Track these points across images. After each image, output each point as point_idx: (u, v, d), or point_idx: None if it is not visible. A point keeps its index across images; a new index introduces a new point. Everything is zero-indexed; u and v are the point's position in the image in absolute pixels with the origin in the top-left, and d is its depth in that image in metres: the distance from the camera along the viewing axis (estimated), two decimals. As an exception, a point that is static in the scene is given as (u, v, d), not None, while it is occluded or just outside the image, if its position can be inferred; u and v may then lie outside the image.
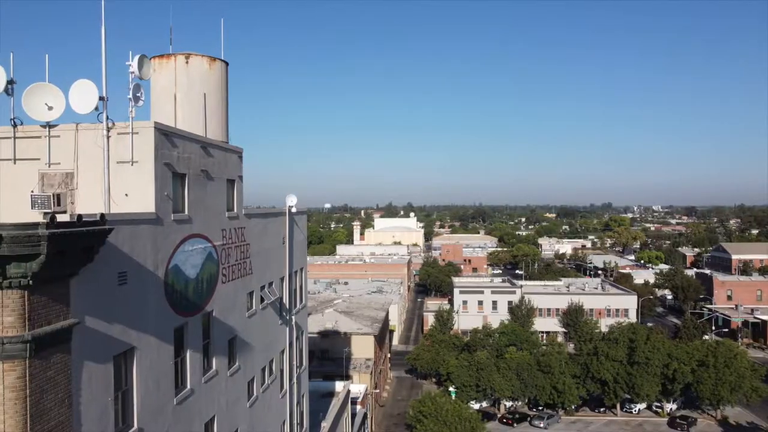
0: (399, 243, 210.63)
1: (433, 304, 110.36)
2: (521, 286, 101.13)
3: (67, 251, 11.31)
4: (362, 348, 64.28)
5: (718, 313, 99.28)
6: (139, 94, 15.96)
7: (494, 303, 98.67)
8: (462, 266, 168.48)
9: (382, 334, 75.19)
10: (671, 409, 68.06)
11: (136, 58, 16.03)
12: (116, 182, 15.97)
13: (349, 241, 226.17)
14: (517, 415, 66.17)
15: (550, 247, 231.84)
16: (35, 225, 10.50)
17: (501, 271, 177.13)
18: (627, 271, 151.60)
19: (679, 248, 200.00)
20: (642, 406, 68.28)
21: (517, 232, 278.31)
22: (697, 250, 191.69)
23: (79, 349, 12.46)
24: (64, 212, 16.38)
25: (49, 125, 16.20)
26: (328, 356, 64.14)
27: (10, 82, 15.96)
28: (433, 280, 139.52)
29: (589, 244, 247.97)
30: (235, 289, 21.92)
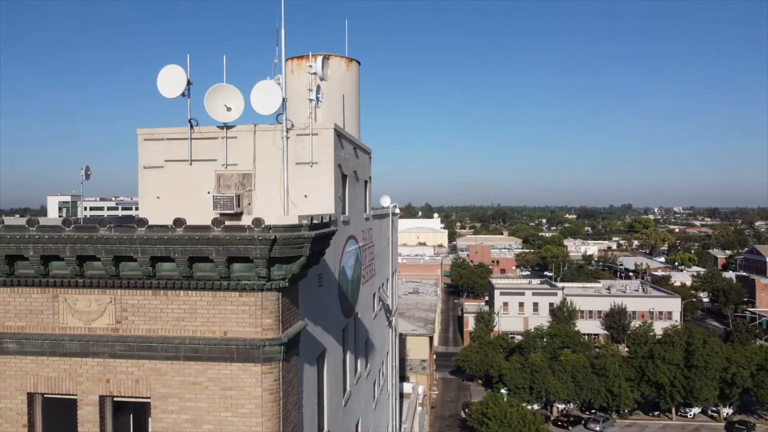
0: (424, 244, 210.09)
1: (470, 305, 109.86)
2: (563, 288, 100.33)
3: (314, 253, 11.26)
4: (418, 349, 63.99)
5: (765, 317, 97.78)
6: (320, 95, 15.91)
7: (535, 305, 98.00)
8: (491, 267, 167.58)
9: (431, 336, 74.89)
10: (727, 413, 67.10)
11: (319, 58, 16.01)
12: (294, 183, 15.93)
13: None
14: (571, 418, 65.62)
15: (576, 248, 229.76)
16: (299, 227, 10.44)
17: (529, 273, 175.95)
18: (660, 273, 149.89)
19: (709, 250, 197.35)
20: (697, 410, 67.41)
21: (540, 233, 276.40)
22: (728, 252, 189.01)
23: (302, 351, 12.44)
24: (241, 213, 16.44)
25: (227, 126, 16.19)
26: (383, 357, 64.00)
27: (188, 83, 15.99)
28: (466, 281, 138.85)
29: (614, 246, 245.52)
30: (368, 291, 21.87)
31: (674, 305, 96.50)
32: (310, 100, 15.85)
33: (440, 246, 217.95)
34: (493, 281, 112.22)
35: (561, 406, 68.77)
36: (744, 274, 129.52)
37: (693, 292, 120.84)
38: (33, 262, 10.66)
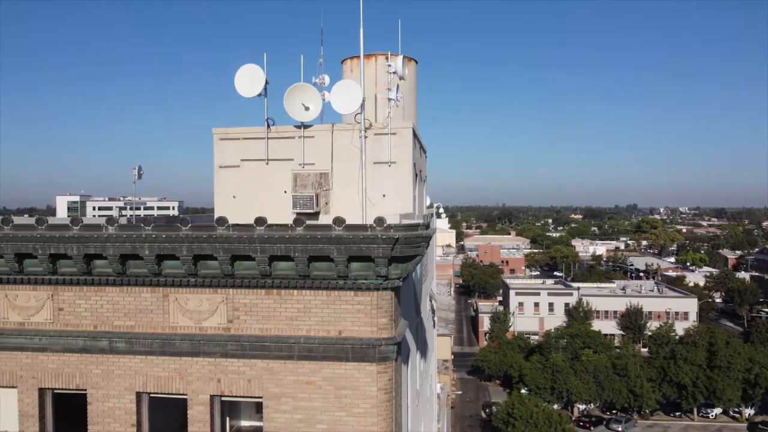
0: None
1: (484, 305, 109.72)
2: (578, 288, 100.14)
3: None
4: (440, 349, 63.94)
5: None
6: (399, 95, 15.88)
7: (551, 305, 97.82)
8: (501, 268, 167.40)
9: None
10: (750, 414, 66.87)
11: (399, 58, 15.98)
12: (372, 183, 15.89)
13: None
14: (592, 419, 65.47)
15: (584, 248, 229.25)
16: (416, 226, 10.41)
17: (539, 273, 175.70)
18: (671, 273, 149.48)
19: (719, 250, 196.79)
20: (718, 410, 67.21)
21: (547, 234, 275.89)
22: (738, 252, 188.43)
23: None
24: (318, 213, 16.41)
25: (304, 125, 16.16)
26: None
27: (266, 82, 15.96)
28: (477, 281, 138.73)
29: (622, 246, 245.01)
30: (425, 291, 21.82)
31: (690, 305, 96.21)
32: (389, 99, 15.81)
33: (448, 246, 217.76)
34: (508, 281, 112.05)
35: (582, 407, 68.63)
36: (757, 274, 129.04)
37: (706, 292, 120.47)
38: (147, 261, 10.64)
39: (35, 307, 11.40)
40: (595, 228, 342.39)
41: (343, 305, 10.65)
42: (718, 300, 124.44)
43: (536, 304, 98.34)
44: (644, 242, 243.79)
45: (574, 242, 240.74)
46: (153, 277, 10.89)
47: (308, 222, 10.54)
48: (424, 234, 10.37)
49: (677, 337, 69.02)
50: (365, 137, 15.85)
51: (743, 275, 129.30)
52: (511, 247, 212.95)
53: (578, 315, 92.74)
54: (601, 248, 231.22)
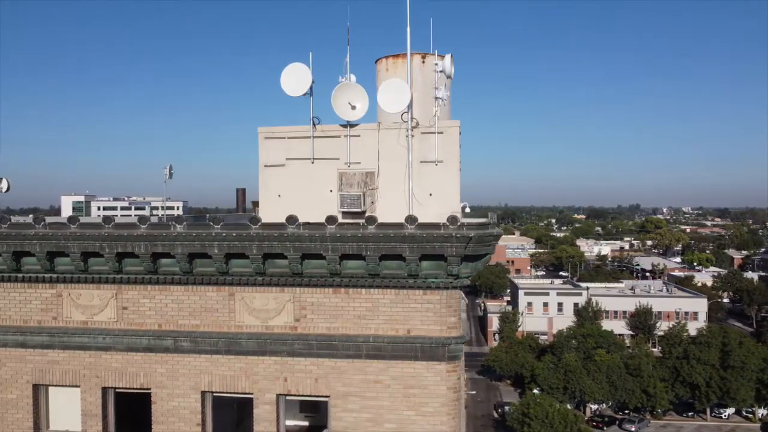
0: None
1: (492, 305, 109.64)
2: (587, 288, 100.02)
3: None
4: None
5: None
6: (448, 93, 15.86)
7: (560, 305, 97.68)
8: (507, 267, 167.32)
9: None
10: (763, 414, 66.76)
11: (447, 56, 15.93)
12: (418, 182, 15.85)
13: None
14: (605, 419, 65.40)
15: (589, 248, 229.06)
16: (487, 225, 10.39)
17: (544, 273, 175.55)
18: (677, 273, 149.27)
19: (725, 250, 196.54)
20: (731, 411, 67.10)
21: (551, 233, 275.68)
22: (744, 252, 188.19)
23: (460, 350, 12.36)
24: (364, 212, 16.38)
25: (350, 124, 16.14)
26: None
27: (312, 81, 15.95)
28: (484, 281, 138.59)
29: (626, 246, 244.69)
30: (459, 290, 21.79)
31: (700, 306, 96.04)
32: (436, 98, 15.78)
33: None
34: (517, 281, 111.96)
35: (594, 407, 68.55)
36: (765, 274, 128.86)
37: (714, 292, 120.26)
38: (216, 260, 10.63)
39: (99, 306, 11.39)
40: (599, 228, 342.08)
41: (411, 304, 10.62)
42: (725, 300, 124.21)
43: (545, 304, 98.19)
44: (649, 242, 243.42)
45: (578, 242, 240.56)
46: (220, 275, 10.88)
47: (348, 220, 10.52)
48: (495, 233, 10.35)
49: (689, 337, 68.88)
50: (412, 136, 15.83)
51: (751, 275, 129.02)
52: (516, 247, 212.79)
53: (587, 315, 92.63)
54: (605, 248, 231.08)
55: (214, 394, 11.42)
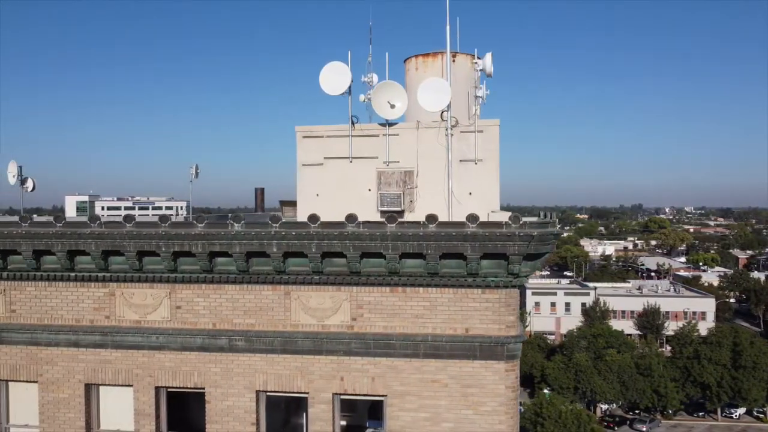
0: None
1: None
2: (595, 288, 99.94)
3: (545, 250, 11.14)
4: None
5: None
6: (488, 92, 15.83)
7: (567, 305, 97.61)
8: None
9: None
10: (774, 414, 66.70)
11: (488, 55, 15.95)
12: (458, 181, 15.82)
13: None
14: (616, 418, 65.34)
15: (593, 248, 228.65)
16: (547, 223, 10.35)
17: (548, 273, 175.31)
18: (683, 273, 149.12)
19: (730, 250, 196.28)
20: (742, 411, 67.01)
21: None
22: (749, 252, 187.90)
23: (510, 349, 12.33)
24: (403, 211, 16.36)
25: (389, 123, 16.11)
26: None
27: (351, 80, 15.92)
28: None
29: (630, 246, 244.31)
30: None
31: (708, 305, 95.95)
32: (476, 97, 15.77)
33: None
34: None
35: (604, 407, 68.49)
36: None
37: (722, 292, 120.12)
38: (274, 259, 10.59)
39: (152, 305, 11.36)
40: (602, 228, 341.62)
41: (470, 303, 10.58)
42: (731, 300, 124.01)
43: (553, 304, 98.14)
44: (653, 242, 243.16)
45: (582, 242, 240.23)
46: (276, 274, 10.84)
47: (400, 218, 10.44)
48: (556, 231, 10.31)
49: (700, 338, 68.82)
50: (451, 135, 15.80)
51: (758, 275, 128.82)
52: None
53: (595, 315, 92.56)
54: (609, 248, 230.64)
55: (267, 394, 11.39)
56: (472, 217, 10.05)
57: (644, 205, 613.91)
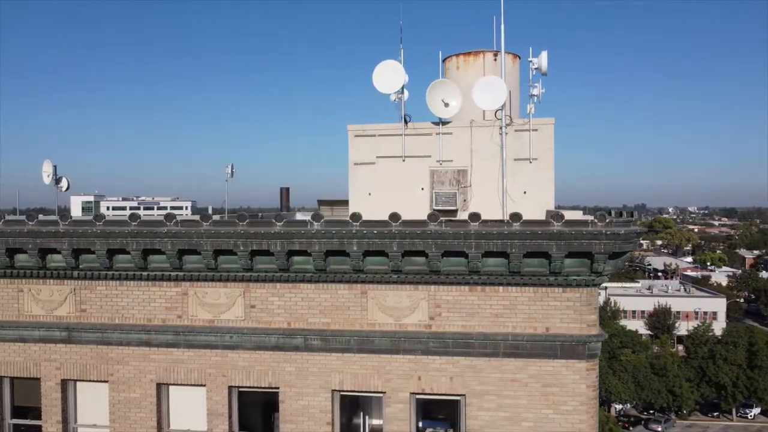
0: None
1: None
2: (605, 288, 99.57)
3: (623, 248, 11.08)
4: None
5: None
6: (543, 91, 15.78)
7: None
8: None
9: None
10: (789, 414, 66.53)
11: (543, 53, 15.86)
12: (512, 180, 15.76)
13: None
14: (631, 419, 65.22)
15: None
16: (629, 221, 10.29)
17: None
18: (690, 273, 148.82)
19: (736, 250, 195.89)
20: (757, 411, 66.86)
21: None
22: (756, 252, 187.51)
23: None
24: (457, 210, 16.30)
25: (442, 122, 16.06)
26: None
27: (405, 79, 15.87)
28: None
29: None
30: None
31: (719, 305, 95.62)
32: (531, 95, 15.71)
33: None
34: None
35: (618, 407, 68.35)
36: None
37: (731, 291, 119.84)
38: (353, 258, 10.55)
39: (226, 305, 11.32)
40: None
41: (551, 302, 10.53)
42: (740, 300, 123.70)
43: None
44: (659, 242, 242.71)
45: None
46: (353, 273, 10.80)
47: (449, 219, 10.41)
48: (639, 230, 10.25)
49: (714, 338, 68.65)
50: (506, 133, 15.75)
51: (766, 275, 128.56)
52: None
53: (606, 314, 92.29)
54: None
55: (341, 393, 11.35)
56: (557, 216, 10.00)
57: (647, 205, 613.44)
